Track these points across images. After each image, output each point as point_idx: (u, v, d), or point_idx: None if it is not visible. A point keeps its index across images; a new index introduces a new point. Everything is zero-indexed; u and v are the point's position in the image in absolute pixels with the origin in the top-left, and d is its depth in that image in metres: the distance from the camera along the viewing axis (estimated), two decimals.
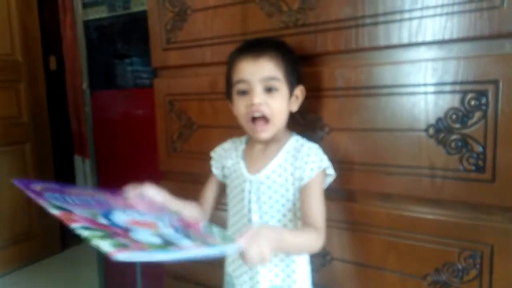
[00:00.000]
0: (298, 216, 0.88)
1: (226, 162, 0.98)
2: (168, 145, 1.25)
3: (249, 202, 0.91)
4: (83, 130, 2.94)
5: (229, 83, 0.91)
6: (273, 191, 0.89)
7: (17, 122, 2.49)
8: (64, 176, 2.77)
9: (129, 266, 1.76)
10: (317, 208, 0.85)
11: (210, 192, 1.01)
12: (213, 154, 1.02)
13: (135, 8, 1.61)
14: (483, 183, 0.80)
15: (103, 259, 1.90)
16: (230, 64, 0.90)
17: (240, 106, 0.87)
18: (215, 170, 1.00)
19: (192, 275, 1.25)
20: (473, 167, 0.81)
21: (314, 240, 0.81)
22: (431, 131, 0.84)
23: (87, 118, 1.86)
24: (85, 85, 1.83)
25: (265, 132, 0.86)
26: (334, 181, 0.89)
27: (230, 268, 0.97)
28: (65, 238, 2.78)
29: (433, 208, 0.87)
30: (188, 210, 0.92)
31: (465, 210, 0.84)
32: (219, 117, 1.14)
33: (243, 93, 0.86)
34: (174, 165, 1.26)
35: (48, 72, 2.66)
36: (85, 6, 1.76)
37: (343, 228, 0.96)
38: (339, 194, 0.94)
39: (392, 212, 0.91)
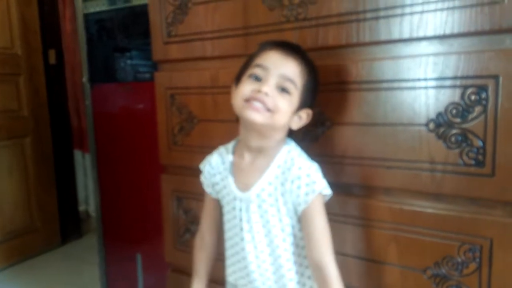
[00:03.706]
0: (299, 236, 0.86)
1: (215, 178, 0.94)
2: (169, 139, 1.26)
3: (241, 220, 0.88)
4: (83, 124, 2.95)
5: (247, 65, 0.85)
6: (263, 211, 0.85)
7: (17, 116, 2.49)
8: (63, 170, 2.78)
9: (130, 259, 1.77)
10: (321, 237, 0.82)
11: (210, 218, 0.98)
12: (202, 167, 0.97)
13: (135, 1, 1.61)
14: (483, 177, 0.81)
15: (104, 252, 1.91)
16: (260, 50, 0.84)
17: (245, 87, 0.81)
18: (208, 188, 0.96)
19: None
20: (473, 162, 0.82)
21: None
22: (431, 125, 0.85)
23: (87, 112, 1.86)
24: (85, 78, 1.83)
25: (259, 114, 0.78)
26: (334, 175, 0.89)
27: (231, 277, 0.96)
28: (66, 232, 2.79)
29: (433, 202, 0.88)
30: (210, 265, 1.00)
31: (465, 204, 0.85)
32: (220, 111, 1.14)
33: (256, 78, 0.81)
34: (174, 158, 1.26)
35: (48, 65, 2.65)
36: None
37: (344, 222, 0.97)
38: (340, 188, 0.94)
39: (392, 206, 0.91)
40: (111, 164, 1.83)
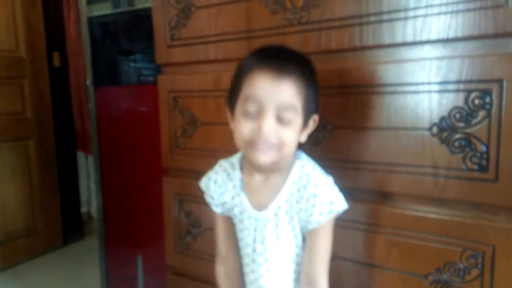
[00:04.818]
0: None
1: (224, 197, 0.88)
2: (172, 142, 1.26)
3: (254, 241, 0.84)
4: (86, 127, 2.96)
5: (235, 91, 0.78)
6: (280, 230, 0.82)
7: (21, 118, 2.50)
8: (67, 172, 2.78)
9: (131, 261, 1.77)
10: (323, 256, 0.80)
11: (226, 237, 0.91)
12: (205, 188, 0.91)
13: (139, 4, 1.61)
14: (486, 182, 0.80)
15: (105, 254, 1.90)
16: (244, 71, 0.76)
17: (243, 129, 0.74)
18: (217, 208, 0.90)
19: (194, 270, 1.25)
20: (476, 167, 0.81)
21: None
22: (434, 130, 0.84)
23: (90, 114, 1.87)
24: (89, 81, 1.84)
25: (266, 156, 0.73)
26: (336, 180, 0.89)
27: None
28: (67, 233, 2.79)
29: (436, 207, 0.87)
30: None
31: (468, 209, 0.84)
32: (223, 114, 1.13)
33: (252, 114, 0.73)
34: (177, 161, 1.26)
35: (52, 68, 2.67)
36: (89, 2, 1.76)
37: (345, 227, 0.96)
38: (341, 193, 0.94)
39: (394, 211, 0.90)
40: (114, 166, 1.83)
